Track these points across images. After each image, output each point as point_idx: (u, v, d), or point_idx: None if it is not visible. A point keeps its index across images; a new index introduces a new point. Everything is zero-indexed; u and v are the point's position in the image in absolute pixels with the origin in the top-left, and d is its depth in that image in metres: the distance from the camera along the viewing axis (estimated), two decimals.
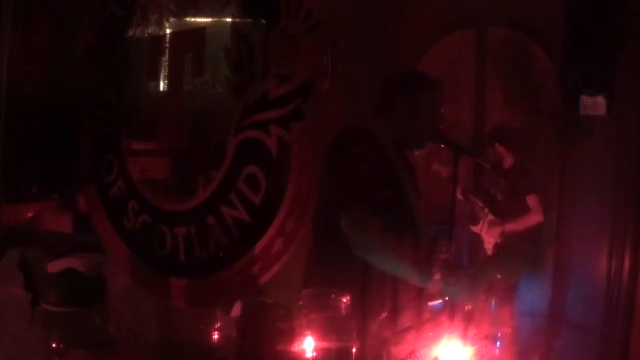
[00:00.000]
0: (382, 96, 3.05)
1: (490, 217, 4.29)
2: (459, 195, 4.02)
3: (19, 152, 3.72)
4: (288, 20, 2.37)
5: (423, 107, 2.98)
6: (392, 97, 3.01)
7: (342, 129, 2.91)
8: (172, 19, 2.82)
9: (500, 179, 4.29)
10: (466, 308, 2.62)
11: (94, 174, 3.16)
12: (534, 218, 4.34)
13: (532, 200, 4.32)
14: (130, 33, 2.97)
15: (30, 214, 3.74)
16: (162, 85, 2.93)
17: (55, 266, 2.61)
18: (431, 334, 2.56)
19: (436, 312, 2.73)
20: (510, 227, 4.13)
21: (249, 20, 2.50)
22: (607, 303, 3.28)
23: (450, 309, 2.71)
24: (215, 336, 2.81)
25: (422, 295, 2.79)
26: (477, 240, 4.27)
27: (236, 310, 2.80)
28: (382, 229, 2.74)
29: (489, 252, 4.17)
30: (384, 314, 2.77)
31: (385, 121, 2.99)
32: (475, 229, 4.01)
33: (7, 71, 3.50)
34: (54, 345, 2.50)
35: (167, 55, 2.88)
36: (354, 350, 2.35)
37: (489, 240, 4.25)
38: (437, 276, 2.67)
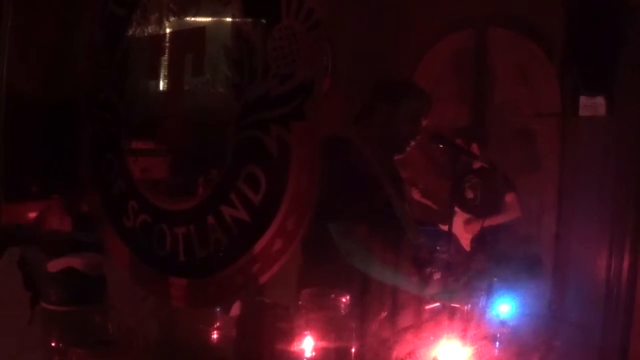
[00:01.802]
0: (366, 101, 3.08)
1: (464, 215, 4.33)
2: (418, 198, 4.07)
3: (19, 151, 3.72)
4: (289, 20, 2.37)
5: (402, 115, 3.00)
6: (373, 103, 3.04)
7: (323, 138, 2.92)
8: (172, 19, 2.82)
9: (485, 177, 4.31)
10: (465, 308, 2.62)
11: (93, 173, 3.16)
12: (512, 214, 4.38)
13: (510, 197, 4.35)
14: (131, 32, 2.97)
15: (30, 213, 3.74)
16: (162, 85, 2.93)
17: (55, 265, 2.61)
18: (430, 334, 2.56)
19: (435, 312, 2.74)
20: (487, 222, 4.17)
21: (250, 20, 2.50)
22: (607, 302, 3.28)
23: (450, 309, 2.72)
24: (215, 336, 2.81)
25: (421, 296, 2.80)
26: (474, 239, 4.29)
27: (235, 310, 2.81)
28: (370, 237, 2.75)
29: (467, 249, 4.20)
30: (384, 314, 2.78)
31: (366, 126, 3.02)
32: (445, 228, 4.03)
33: (7, 70, 3.50)
34: (53, 344, 2.50)
35: (167, 55, 2.88)
36: (353, 350, 2.36)
37: (466, 237, 4.27)
38: (437, 276, 2.69)
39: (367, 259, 2.79)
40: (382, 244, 2.80)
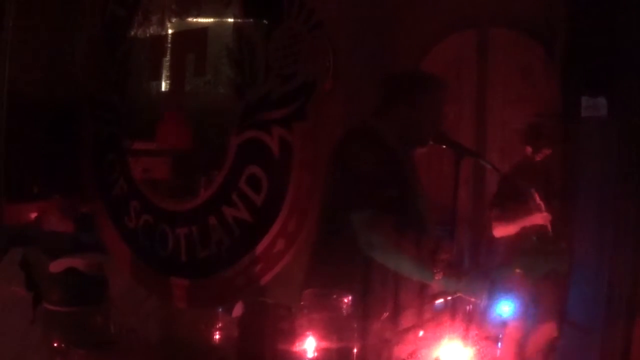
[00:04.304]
0: (384, 95, 3.06)
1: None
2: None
3: (21, 152, 3.72)
4: (290, 20, 2.37)
5: (424, 106, 2.99)
6: (394, 96, 3.02)
7: (348, 129, 2.91)
8: (174, 19, 2.83)
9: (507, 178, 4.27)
10: (467, 308, 2.62)
11: (95, 174, 3.17)
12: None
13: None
14: (132, 33, 2.98)
15: (32, 214, 3.74)
16: (164, 86, 2.93)
17: (56, 266, 2.61)
18: (432, 335, 2.56)
19: (437, 312, 2.73)
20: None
21: (251, 20, 2.51)
22: (609, 303, 3.28)
23: (452, 309, 2.71)
24: (217, 336, 2.81)
25: (423, 295, 2.80)
26: (481, 239, 4.27)
27: (238, 310, 2.80)
28: (394, 228, 2.74)
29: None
30: (385, 314, 2.77)
31: (387, 120, 3.00)
32: None
33: (9, 71, 3.50)
34: (55, 344, 2.51)
35: (169, 56, 2.88)
36: (355, 350, 2.35)
37: None
38: (439, 276, 2.68)
39: (387, 251, 2.78)
40: (404, 236, 2.79)
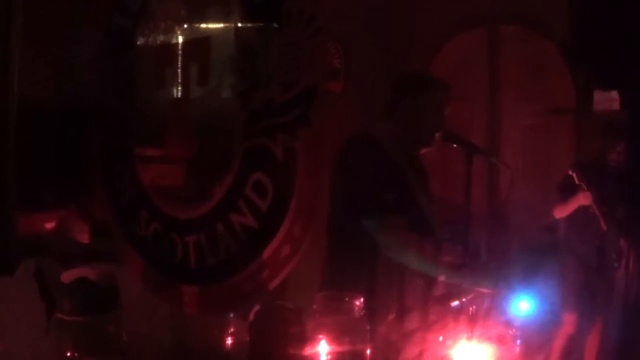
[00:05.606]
0: (390, 97, 3.08)
1: None
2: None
3: (33, 162, 3.75)
4: (290, 27, 2.38)
5: (427, 107, 3.01)
6: (397, 98, 3.04)
7: (346, 137, 2.94)
8: (177, 29, 2.85)
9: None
10: (470, 309, 2.62)
11: (105, 183, 3.19)
12: None
13: None
14: (137, 43, 3.00)
15: (44, 224, 3.78)
16: (168, 94, 2.96)
17: (69, 276, 2.64)
18: (439, 335, 2.56)
19: (443, 314, 2.74)
20: None
21: (251, 28, 2.52)
22: (625, 302, 3.27)
23: (466, 310, 2.72)
24: (229, 341, 2.83)
25: (432, 297, 2.81)
26: (493, 239, 4.27)
27: (253, 315, 2.82)
28: (403, 230, 2.77)
29: None
30: (392, 316, 2.79)
31: (391, 122, 3.02)
32: None
33: (19, 80, 3.53)
34: (68, 353, 2.54)
35: (173, 64, 2.90)
36: (368, 352, 2.36)
37: None
38: (442, 278, 2.69)
39: (404, 251, 2.81)
40: (416, 235, 2.82)
